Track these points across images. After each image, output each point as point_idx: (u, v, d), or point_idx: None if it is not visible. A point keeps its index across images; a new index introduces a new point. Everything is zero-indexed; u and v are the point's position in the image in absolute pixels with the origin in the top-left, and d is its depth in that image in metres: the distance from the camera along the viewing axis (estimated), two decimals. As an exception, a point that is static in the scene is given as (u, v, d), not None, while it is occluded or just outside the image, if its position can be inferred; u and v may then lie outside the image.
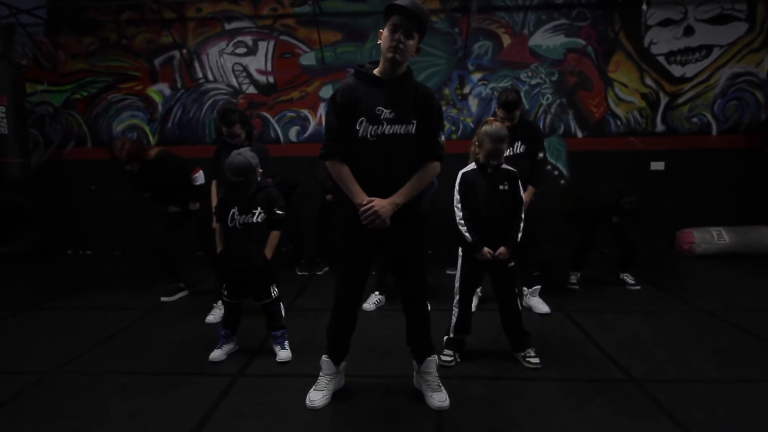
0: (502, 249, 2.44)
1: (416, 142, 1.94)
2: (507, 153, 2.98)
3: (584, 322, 3.17)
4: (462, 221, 2.46)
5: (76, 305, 3.75)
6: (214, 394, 2.26)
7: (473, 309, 2.79)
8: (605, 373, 2.45)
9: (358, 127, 1.88)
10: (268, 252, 2.64)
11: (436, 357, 2.26)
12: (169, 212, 3.70)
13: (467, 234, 2.44)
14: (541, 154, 3.36)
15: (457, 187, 2.51)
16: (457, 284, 2.62)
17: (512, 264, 2.52)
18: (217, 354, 2.63)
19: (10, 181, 5.05)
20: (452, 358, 2.56)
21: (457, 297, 2.61)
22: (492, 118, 2.62)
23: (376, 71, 1.93)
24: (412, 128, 1.91)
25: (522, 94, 5.25)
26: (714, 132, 5.25)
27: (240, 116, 3.15)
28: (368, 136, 1.88)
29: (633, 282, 3.94)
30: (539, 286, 3.48)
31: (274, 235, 2.67)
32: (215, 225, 2.69)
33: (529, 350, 2.56)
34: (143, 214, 5.31)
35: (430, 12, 5.17)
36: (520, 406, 2.13)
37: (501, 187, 2.47)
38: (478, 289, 3.45)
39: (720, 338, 2.87)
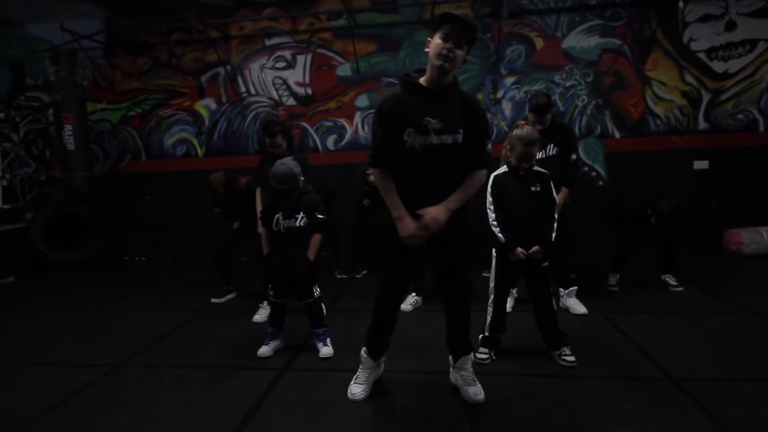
0: (535, 248, 2.50)
1: (463, 151, 1.98)
2: (539, 155, 3.05)
3: (622, 323, 3.15)
4: (495, 222, 2.54)
5: (135, 306, 4.07)
6: (263, 387, 2.44)
7: (509, 309, 2.85)
8: (643, 371, 2.46)
9: (405, 138, 1.91)
10: (311, 254, 2.79)
11: (473, 354, 2.35)
12: (234, 227, 3.93)
13: (500, 235, 2.52)
14: (574, 156, 3.38)
15: (489, 190, 2.59)
16: (491, 284, 2.69)
17: (546, 264, 2.57)
18: (264, 350, 2.81)
19: (76, 193, 5.51)
20: (488, 356, 2.63)
21: (492, 297, 2.68)
22: (523, 122, 2.66)
23: (422, 80, 1.96)
24: (460, 137, 1.95)
25: (556, 97, 5.27)
26: (761, 128, 5.06)
27: (281, 127, 3.33)
28: (416, 146, 1.91)
29: (675, 283, 3.86)
30: (576, 287, 3.48)
31: (316, 238, 2.82)
32: (261, 230, 2.88)
33: (565, 348, 2.60)
34: (192, 222, 5.68)
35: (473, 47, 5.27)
36: (554, 401, 2.19)
37: (533, 188, 2.54)
38: (514, 290, 3.50)
39: (765, 340, 2.79)
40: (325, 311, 3.27)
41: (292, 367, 2.67)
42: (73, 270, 5.52)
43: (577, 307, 3.37)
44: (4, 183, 5.97)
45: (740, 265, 4.60)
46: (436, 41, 1.87)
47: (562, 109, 5.29)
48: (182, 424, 2.12)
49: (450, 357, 2.34)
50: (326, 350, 2.76)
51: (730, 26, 4.96)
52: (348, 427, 2.06)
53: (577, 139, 3.46)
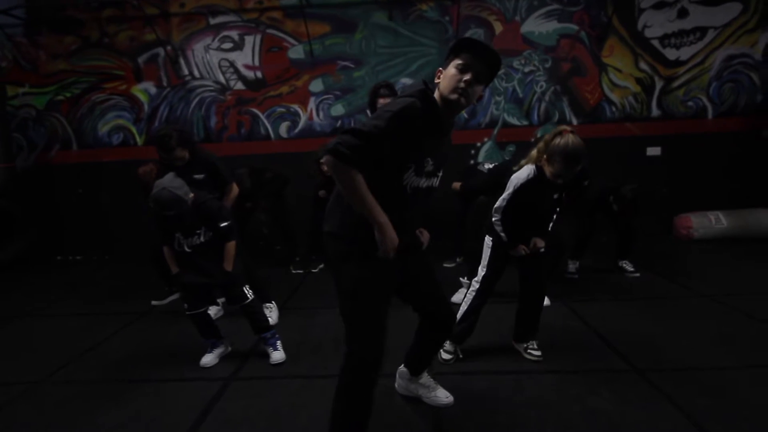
0: (539, 242, 2.37)
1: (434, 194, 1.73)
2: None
3: (584, 312, 3.11)
4: (499, 223, 2.36)
5: (64, 311, 3.66)
6: (206, 399, 2.19)
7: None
8: (607, 363, 2.40)
9: (401, 173, 1.56)
10: (227, 265, 2.50)
11: (443, 355, 2.20)
12: None
13: (503, 234, 2.35)
14: (586, 183, 3.18)
15: (509, 195, 2.32)
16: (481, 273, 2.47)
17: (542, 249, 2.41)
18: (208, 359, 2.55)
19: (-6, 186, 4.94)
20: (452, 355, 2.48)
21: (476, 287, 2.47)
22: (567, 129, 2.12)
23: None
24: (436, 181, 1.70)
25: (515, 83, 5.19)
26: (710, 115, 5.18)
27: (177, 138, 2.91)
28: (408, 188, 1.58)
29: (632, 269, 3.88)
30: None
31: (229, 246, 2.51)
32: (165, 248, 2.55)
33: (532, 342, 2.49)
34: (131, 218, 5.23)
35: (420, 1, 5.09)
36: (522, 400, 2.07)
37: (555, 196, 2.36)
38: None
39: (723, 324, 2.81)
40: (275, 312, 3.06)
41: (240, 376, 2.43)
42: (-3, 272, 4.97)
43: (541, 297, 3.30)
44: None
45: (690, 249, 4.72)
46: (450, 72, 1.53)
47: (521, 95, 5.22)
48: (107, 452, 1.84)
49: (404, 369, 2.12)
50: (277, 355, 2.53)
51: (682, 13, 5.01)
52: (300, 444, 1.86)
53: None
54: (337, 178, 1.48)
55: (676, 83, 5.16)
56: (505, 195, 2.33)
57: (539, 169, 2.23)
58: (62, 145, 5.49)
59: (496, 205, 2.36)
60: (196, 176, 3.03)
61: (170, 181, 2.29)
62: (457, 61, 1.52)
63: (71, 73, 5.37)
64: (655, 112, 5.21)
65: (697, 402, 1.99)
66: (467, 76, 1.50)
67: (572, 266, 3.91)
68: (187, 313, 2.50)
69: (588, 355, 2.49)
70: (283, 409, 2.07)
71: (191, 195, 2.35)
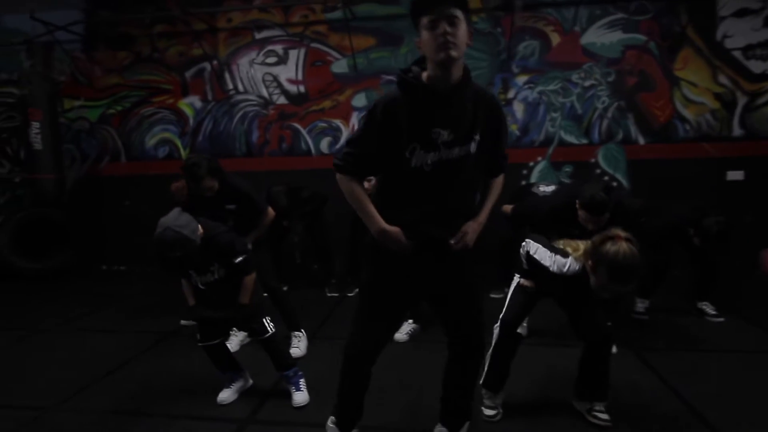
0: None
1: (475, 161, 1.56)
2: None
3: (660, 364, 2.63)
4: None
5: (93, 327, 3.59)
6: (217, 447, 1.94)
7: None
8: (694, 436, 1.95)
9: (409, 156, 1.50)
10: (244, 298, 2.27)
11: (485, 411, 1.86)
12: None
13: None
14: (643, 219, 2.85)
15: (528, 261, 2.08)
16: (501, 316, 2.15)
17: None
18: (226, 395, 2.31)
19: (45, 196, 5.06)
20: (495, 410, 2.12)
21: (496, 332, 2.15)
22: (621, 235, 1.80)
23: (424, 77, 1.51)
24: (474, 146, 1.53)
25: (574, 98, 4.78)
26: (803, 135, 4.53)
27: (207, 168, 2.73)
28: (424, 166, 1.50)
29: (714, 312, 3.34)
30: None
31: (247, 281, 2.27)
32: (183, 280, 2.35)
33: (598, 403, 2.08)
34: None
35: (470, 12, 4.80)
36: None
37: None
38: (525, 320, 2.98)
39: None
40: (303, 342, 2.82)
41: (258, 419, 2.18)
42: (43, 280, 5.05)
43: (604, 342, 2.84)
44: (-26, 184, 5.54)
45: (782, 288, 4.07)
46: (425, 36, 1.44)
47: (580, 111, 4.79)
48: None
49: (439, 426, 1.85)
50: (299, 397, 2.25)
51: (770, 21, 4.45)
52: None
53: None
54: (342, 189, 1.60)
55: (762, 99, 4.56)
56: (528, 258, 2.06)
57: (584, 270, 1.89)
58: (112, 157, 5.60)
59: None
60: (228, 206, 2.86)
61: (175, 219, 2.04)
62: (424, 21, 1.43)
63: (123, 87, 5.49)
64: (737, 131, 4.62)
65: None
66: (441, 28, 1.39)
67: (641, 305, 3.42)
68: (199, 344, 2.29)
69: (666, 424, 2.05)
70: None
71: (200, 231, 2.11)
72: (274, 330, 2.31)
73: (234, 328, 2.98)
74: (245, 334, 3.10)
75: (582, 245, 1.92)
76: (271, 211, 3.03)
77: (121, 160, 5.60)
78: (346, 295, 4.21)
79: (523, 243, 2.12)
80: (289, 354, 2.38)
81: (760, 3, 4.46)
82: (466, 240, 1.59)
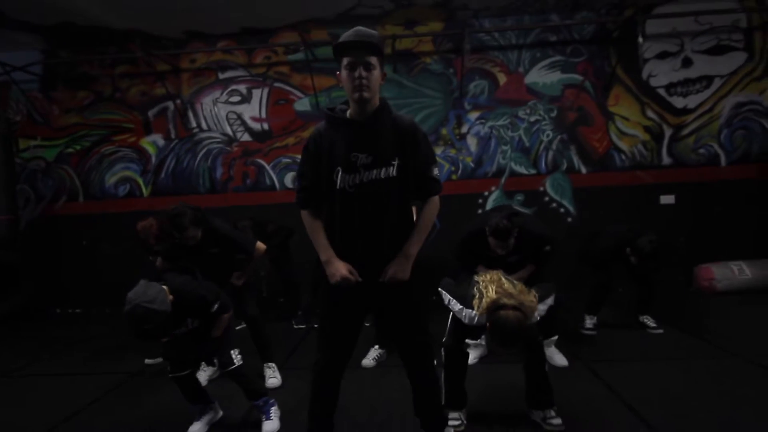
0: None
1: (399, 184, 1.74)
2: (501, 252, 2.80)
3: (606, 374, 2.86)
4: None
5: (54, 371, 3.47)
6: (189, 480, 1.97)
7: (472, 361, 2.53)
8: (636, 436, 2.14)
9: (335, 179, 1.71)
10: (217, 332, 2.35)
11: (452, 429, 1.98)
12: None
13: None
14: (548, 247, 2.97)
15: (451, 322, 2.37)
16: (444, 340, 2.36)
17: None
18: (196, 428, 2.33)
19: (-2, 238, 4.90)
20: (459, 420, 2.26)
21: (443, 357, 2.32)
22: (510, 304, 1.96)
23: (348, 113, 1.76)
24: (393, 170, 1.72)
25: (521, 132, 5.16)
26: (723, 162, 5.07)
27: (190, 218, 2.71)
28: (347, 187, 1.71)
29: (654, 325, 3.63)
30: (556, 337, 3.16)
31: (224, 318, 2.36)
32: None
33: (550, 410, 2.26)
34: (133, 270, 5.12)
35: (424, 54, 5.18)
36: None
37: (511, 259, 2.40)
38: (481, 339, 3.16)
39: (762, 390, 2.54)
40: (276, 372, 2.87)
41: (229, 450, 2.21)
42: (-7, 325, 4.83)
43: (557, 357, 3.05)
44: None
45: (713, 302, 4.46)
46: (344, 74, 1.69)
47: (527, 144, 5.17)
48: None
49: None
50: (269, 426, 2.31)
51: (687, 63, 5.03)
52: None
53: (550, 244, 2.97)
54: (303, 220, 1.83)
55: (685, 131, 5.10)
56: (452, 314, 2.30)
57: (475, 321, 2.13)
58: (69, 196, 5.51)
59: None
60: (211, 251, 2.89)
61: (143, 294, 2.02)
62: (344, 62, 1.67)
63: (83, 126, 5.48)
64: (666, 160, 5.11)
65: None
66: (357, 72, 1.63)
67: (589, 322, 3.68)
68: (170, 375, 2.31)
69: (614, 427, 2.24)
70: (272, 491, 1.85)
71: (169, 298, 2.09)
72: (240, 362, 2.37)
73: (203, 362, 2.99)
74: (214, 368, 3.11)
75: (489, 292, 2.07)
76: (260, 246, 3.01)
77: (79, 199, 5.51)
78: (312, 326, 4.27)
79: (440, 290, 2.33)
80: (259, 383, 2.44)
81: (677, 47, 5.05)
82: (395, 276, 1.74)
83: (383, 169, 1.71)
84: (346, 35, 1.66)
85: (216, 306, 2.27)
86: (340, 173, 1.71)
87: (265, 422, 2.32)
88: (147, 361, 3.49)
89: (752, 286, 4.62)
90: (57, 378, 3.32)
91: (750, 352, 3.05)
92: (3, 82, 5.24)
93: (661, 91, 5.10)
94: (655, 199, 5.10)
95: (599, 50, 5.10)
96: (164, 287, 2.11)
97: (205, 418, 2.38)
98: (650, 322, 3.66)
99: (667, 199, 5.09)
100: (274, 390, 2.84)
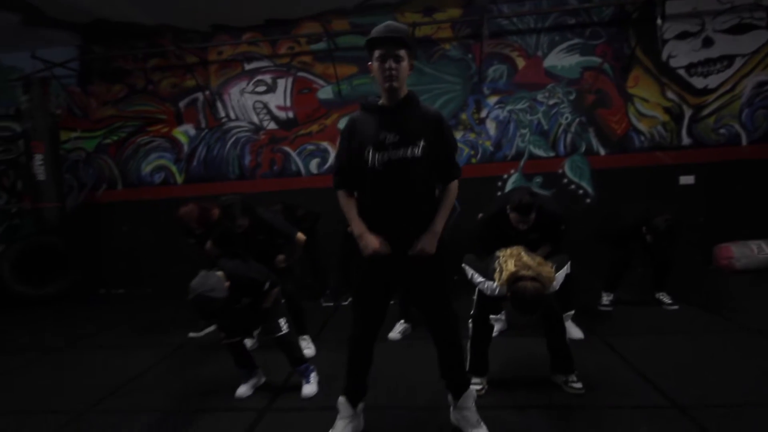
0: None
1: (424, 166, 1.92)
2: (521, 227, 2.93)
3: (621, 346, 3.02)
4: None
5: (108, 343, 3.82)
6: (241, 430, 2.24)
7: (495, 333, 2.73)
8: (647, 399, 2.32)
9: (366, 158, 1.91)
10: (266, 304, 2.62)
11: (474, 391, 2.19)
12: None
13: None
14: (563, 226, 3.13)
15: (476, 296, 2.55)
16: (472, 312, 2.55)
17: None
18: (243, 390, 2.61)
19: (47, 224, 5.26)
20: (481, 385, 2.47)
21: (470, 328, 2.53)
22: (529, 275, 2.14)
23: (379, 102, 1.98)
24: (418, 150, 1.89)
25: (540, 115, 5.25)
26: (744, 142, 5.08)
27: (240, 208, 3.04)
28: (376, 164, 1.90)
29: (670, 301, 3.76)
30: (573, 311, 3.33)
31: (273, 292, 2.63)
32: None
33: (572, 375, 2.45)
34: (170, 253, 5.47)
35: (443, 40, 5.29)
36: (555, 436, 2.03)
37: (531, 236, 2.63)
38: (502, 314, 3.36)
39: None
40: (310, 344, 3.10)
41: (274, 408, 2.48)
42: (45, 305, 5.23)
43: (573, 331, 3.23)
44: (-27, 216, 5.71)
45: (732, 280, 4.54)
46: (375, 65, 1.89)
47: (546, 127, 5.27)
48: (148, 481, 1.91)
49: (449, 396, 2.17)
50: (308, 389, 2.57)
51: (707, 43, 5.01)
52: (333, 477, 1.87)
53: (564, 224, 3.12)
54: (340, 202, 2.06)
55: (705, 111, 5.11)
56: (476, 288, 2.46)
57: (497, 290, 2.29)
58: (109, 184, 5.84)
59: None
60: (258, 237, 3.19)
61: (203, 284, 2.29)
62: (375, 54, 1.86)
63: (118, 118, 5.77)
64: (686, 140, 5.14)
65: (745, 441, 1.91)
66: (387, 63, 1.83)
67: (606, 298, 3.83)
68: (223, 342, 2.59)
69: (627, 392, 2.42)
70: (315, 441, 2.10)
71: (226, 284, 2.36)
72: (287, 330, 2.63)
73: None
74: (254, 341, 3.39)
75: (509, 266, 2.24)
76: (300, 236, 3.32)
77: (118, 187, 5.85)
78: (340, 304, 4.53)
79: (463, 265, 2.50)
80: (301, 350, 2.69)
81: (698, 26, 5.04)
82: (423, 250, 1.94)
83: (409, 149, 1.89)
84: (378, 30, 1.84)
85: (267, 285, 2.55)
86: (370, 151, 1.90)
87: (305, 386, 2.58)
88: (191, 334, 3.80)
89: (771, 264, 4.68)
90: (112, 349, 3.66)
91: (764, 327, 3.15)
92: (44, 77, 5.54)
93: (681, 72, 5.10)
94: (674, 179, 5.15)
95: (618, 32, 5.12)
96: (220, 274, 2.36)
97: (251, 382, 2.65)
98: (666, 299, 3.79)
99: (686, 180, 5.14)
100: (309, 359, 3.09)
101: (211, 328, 3.90)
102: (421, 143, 1.90)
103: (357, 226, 1.99)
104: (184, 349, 3.54)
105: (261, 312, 2.59)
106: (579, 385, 2.42)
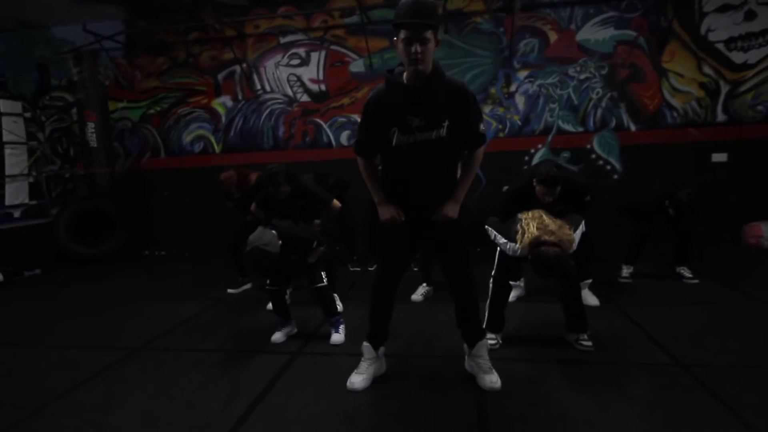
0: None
1: (449, 143, 2.01)
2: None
3: (635, 313, 3.14)
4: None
5: (155, 296, 4.19)
6: (276, 368, 2.51)
7: (512, 299, 2.91)
8: (653, 358, 2.46)
9: (391, 137, 2.00)
10: (312, 259, 2.88)
11: (487, 341, 2.37)
12: (248, 219, 4.00)
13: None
14: (588, 197, 3.16)
15: (498, 256, 2.71)
16: (493, 272, 2.73)
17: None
18: (277, 336, 2.89)
19: (99, 189, 5.70)
20: (495, 340, 2.66)
21: (491, 288, 2.72)
22: (551, 241, 2.25)
23: (405, 77, 1.97)
24: (443, 131, 1.98)
25: (570, 90, 5.24)
26: (782, 119, 4.95)
27: (284, 176, 3.30)
28: (402, 145, 2.00)
29: (690, 275, 3.81)
30: (590, 280, 3.45)
31: (319, 249, 2.89)
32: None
33: (583, 334, 2.61)
34: (209, 217, 5.82)
35: (474, 13, 5.31)
36: (562, 384, 2.21)
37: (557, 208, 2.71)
38: (521, 281, 3.51)
39: (781, 328, 2.76)
40: (338, 301, 3.34)
41: (305, 351, 2.75)
42: (96, 263, 5.69)
43: (590, 298, 3.34)
44: (31, 180, 6.20)
45: (759, 258, 4.51)
46: (401, 47, 1.87)
47: (576, 102, 5.26)
48: (198, 401, 2.20)
49: (465, 345, 2.36)
50: (336, 337, 2.82)
51: (750, 16, 4.86)
52: (357, 403, 2.12)
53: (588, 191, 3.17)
54: (360, 167, 2.18)
55: (744, 87, 4.99)
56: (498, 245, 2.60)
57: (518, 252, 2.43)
58: (152, 152, 6.22)
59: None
60: (298, 202, 3.44)
61: (259, 238, 2.53)
62: (401, 35, 1.83)
63: (162, 90, 6.09)
64: (721, 117, 5.05)
65: (743, 397, 2.02)
66: (413, 47, 1.81)
67: (626, 271, 3.91)
68: (267, 287, 2.87)
69: (633, 351, 2.56)
70: (340, 378, 2.33)
71: (279, 242, 2.59)
72: (326, 282, 2.90)
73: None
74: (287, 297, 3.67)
75: (531, 228, 2.36)
76: (336, 203, 3.56)
77: (161, 155, 6.21)
78: (367, 269, 4.76)
79: (486, 227, 2.66)
80: (335, 303, 2.95)
81: (741, -1, 4.88)
82: (446, 215, 2.08)
83: (435, 131, 1.98)
84: (404, 9, 1.80)
85: (315, 243, 2.82)
86: (396, 133, 1.98)
87: (334, 334, 2.84)
88: (229, 290, 4.12)
89: (802, 244, 4.62)
90: (160, 300, 4.02)
91: (783, 301, 3.20)
92: (94, 50, 5.88)
93: (720, 46, 4.98)
94: (706, 157, 5.09)
95: (655, 4, 5.02)
96: (274, 232, 2.62)
97: (285, 330, 2.93)
98: (687, 273, 3.84)
99: (719, 157, 5.07)
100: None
101: (248, 285, 4.22)
102: (446, 123, 1.96)
103: (376, 195, 2.15)
104: (224, 302, 3.86)
105: (306, 266, 2.86)
106: (589, 343, 2.57)
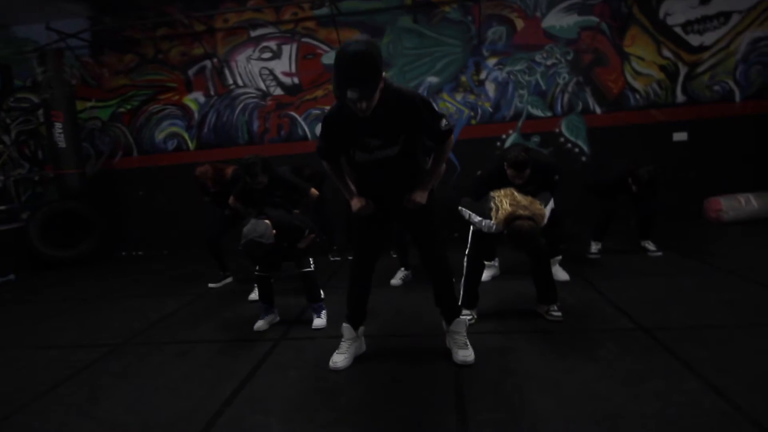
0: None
1: (409, 152, 2.11)
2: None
3: (602, 285, 3.30)
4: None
5: (135, 294, 4.18)
6: (260, 354, 2.58)
7: (486, 279, 3.03)
8: (616, 324, 2.62)
9: (352, 154, 2.12)
10: (302, 245, 2.97)
11: (465, 318, 2.48)
12: (225, 213, 4.03)
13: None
14: (556, 177, 3.25)
15: (472, 234, 2.83)
16: (467, 251, 2.86)
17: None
18: (260, 324, 2.95)
19: (70, 190, 5.60)
20: (470, 315, 2.78)
21: (465, 268, 2.84)
22: (525, 215, 2.40)
23: None
24: (401, 145, 2.07)
25: (537, 76, 5.39)
26: (737, 99, 5.20)
27: (261, 166, 3.32)
28: (363, 162, 2.13)
29: (654, 248, 4.01)
30: (560, 257, 3.60)
31: (310, 237, 3.00)
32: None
33: (554, 305, 2.76)
34: (186, 215, 5.79)
35: (443, 2, 5.39)
36: (532, 351, 2.34)
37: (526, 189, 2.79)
38: (495, 261, 3.65)
39: (734, 291, 2.96)
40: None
41: (288, 337, 2.81)
42: (72, 266, 5.60)
43: (560, 274, 3.50)
44: (-1, 184, 6.06)
45: (719, 230, 4.76)
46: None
47: (544, 87, 5.41)
48: (184, 389, 2.26)
49: (443, 322, 2.45)
50: (318, 322, 2.90)
51: (705, 0, 5.08)
52: (340, 381, 2.21)
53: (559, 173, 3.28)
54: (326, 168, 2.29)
55: (700, 68, 5.22)
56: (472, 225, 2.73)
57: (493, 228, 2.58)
58: (124, 152, 6.14)
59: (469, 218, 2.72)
60: (275, 192, 3.48)
61: (252, 231, 2.60)
62: (346, 93, 1.80)
63: (131, 87, 6.01)
64: (681, 98, 5.27)
65: (697, 353, 2.18)
66: (359, 105, 1.85)
67: (594, 247, 4.09)
68: (256, 273, 2.94)
69: (599, 319, 2.72)
70: (322, 360, 2.41)
71: (272, 231, 2.67)
72: (313, 268, 2.98)
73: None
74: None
75: (504, 205, 2.50)
76: (313, 191, 3.64)
77: (134, 154, 6.14)
78: (346, 258, 4.83)
79: (460, 208, 2.77)
80: (319, 290, 3.02)
81: (696, -17, 5.09)
82: (415, 200, 2.18)
83: (392, 147, 2.08)
84: (345, 73, 1.78)
85: (308, 231, 2.92)
86: (356, 152, 2.10)
87: (316, 319, 2.92)
88: (210, 285, 4.14)
89: (760, 216, 4.90)
90: (141, 298, 4.02)
91: (744, 270, 3.37)
92: (58, 49, 5.75)
93: (678, 30, 5.19)
94: (668, 136, 5.32)
95: (616, -9, 5.19)
96: (268, 222, 2.68)
97: (268, 318, 2.99)
98: (651, 246, 4.04)
99: (679, 136, 5.30)
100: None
101: (229, 279, 4.25)
102: (403, 137, 2.05)
103: (347, 192, 2.28)
104: (205, 297, 3.88)
105: (295, 252, 2.94)
106: (559, 313, 2.72)
